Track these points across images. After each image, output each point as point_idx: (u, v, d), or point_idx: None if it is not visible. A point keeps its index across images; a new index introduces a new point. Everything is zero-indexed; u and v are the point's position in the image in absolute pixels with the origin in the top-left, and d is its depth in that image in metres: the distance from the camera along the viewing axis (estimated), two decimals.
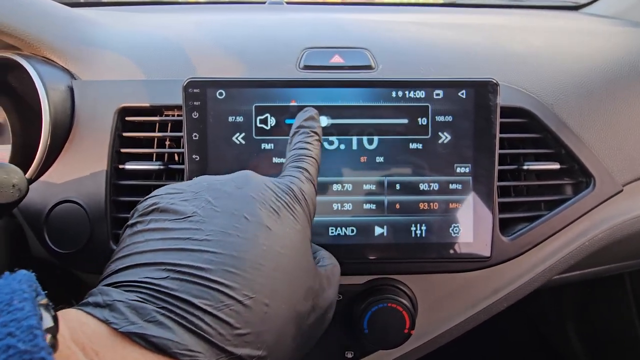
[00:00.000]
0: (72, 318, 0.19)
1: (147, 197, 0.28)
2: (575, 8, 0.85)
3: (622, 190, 0.43)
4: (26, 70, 0.42)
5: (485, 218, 0.39)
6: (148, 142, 0.44)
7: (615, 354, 0.95)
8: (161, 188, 0.28)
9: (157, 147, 0.43)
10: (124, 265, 0.23)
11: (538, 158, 0.44)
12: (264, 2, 0.85)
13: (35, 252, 0.41)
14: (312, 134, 0.32)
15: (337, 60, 0.45)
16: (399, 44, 0.47)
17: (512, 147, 0.44)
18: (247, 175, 0.28)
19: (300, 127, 0.33)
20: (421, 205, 0.39)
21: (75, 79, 0.44)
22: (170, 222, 0.24)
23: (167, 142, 0.44)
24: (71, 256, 0.40)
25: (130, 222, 0.26)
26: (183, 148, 0.41)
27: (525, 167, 0.42)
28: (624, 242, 0.44)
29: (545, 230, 0.41)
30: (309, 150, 0.32)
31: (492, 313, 0.44)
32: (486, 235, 0.39)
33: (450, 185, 0.38)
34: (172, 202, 0.25)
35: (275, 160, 0.38)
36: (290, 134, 0.33)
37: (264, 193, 0.26)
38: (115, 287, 0.22)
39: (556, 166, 0.42)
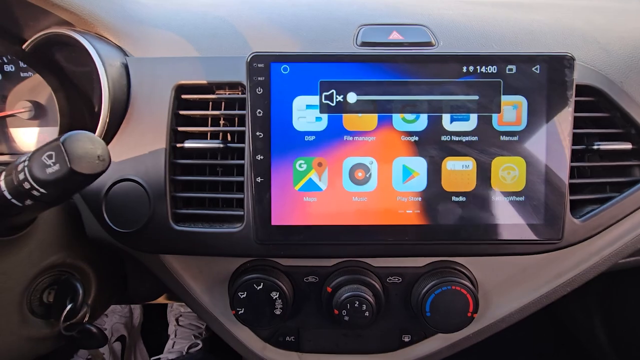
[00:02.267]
0: None
1: None
2: None
3: None
4: (77, 47, 0.41)
5: (558, 199, 0.38)
6: (202, 121, 0.43)
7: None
8: None
9: (211, 126, 0.42)
10: None
11: (603, 138, 0.42)
12: None
13: (92, 232, 0.41)
14: None
15: (395, 36, 0.44)
16: (457, 21, 0.46)
17: (577, 127, 0.42)
18: None
19: None
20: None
21: (127, 56, 0.43)
22: None
23: (222, 121, 0.43)
24: (131, 235, 0.39)
25: None
26: (242, 127, 0.40)
27: (595, 147, 0.40)
28: None
29: (617, 213, 0.40)
30: None
31: (554, 298, 0.43)
32: (558, 217, 0.38)
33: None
34: None
35: (346, 137, 0.37)
36: None
37: None
38: None
39: (628, 146, 0.40)
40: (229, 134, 0.42)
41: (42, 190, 0.26)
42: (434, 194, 0.37)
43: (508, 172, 0.37)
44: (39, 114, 0.54)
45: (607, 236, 0.42)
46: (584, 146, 0.41)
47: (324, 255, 0.40)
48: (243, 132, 0.40)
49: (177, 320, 1.11)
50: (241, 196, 0.39)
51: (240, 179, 0.40)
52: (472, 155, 0.37)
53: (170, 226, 0.39)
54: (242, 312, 0.40)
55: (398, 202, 0.38)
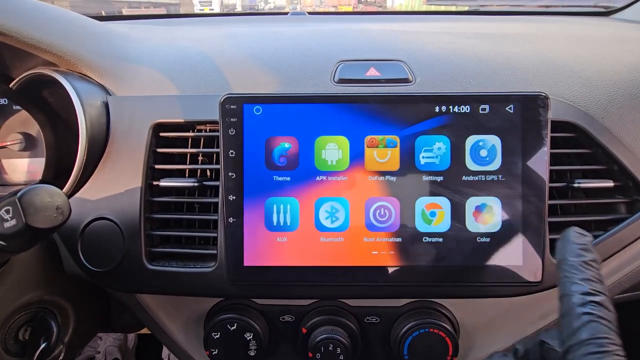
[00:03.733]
0: None
1: None
2: (606, 14, 0.82)
3: None
4: (62, 86, 0.42)
5: (536, 240, 0.37)
6: (181, 158, 0.43)
7: None
8: None
9: (190, 163, 0.42)
10: None
11: (586, 175, 0.42)
12: (286, 14, 0.85)
13: (69, 269, 0.41)
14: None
15: (373, 73, 0.44)
16: (435, 56, 0.46)
17: (558, 163, 0.42)
18: None
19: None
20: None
21: (110, 95, 0.44)
22: None
23: (200, 158, 0.43)
24: (105, 274, 0.39)
25: None
26: (219, 164, 0.40)
27: (576, 185, 0.40)
28: None
29: (602, 252, 0.39)
30: None
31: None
32: (536, 259, 0.37)
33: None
34: None
35: (318, 177, 0.37)
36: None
37: None
38: None
39: (610, 184, 0.39)
40: (207, 171, 0.43)
41: (2, 242, 0.26)
42: (407, 235, 0.37)
43: (484, 213, 0.37)
44: (29, 145, 0.55)
45: None
46: (565, 183, 0.40)
47: (298, 296, 0.39)
48: (219, 170, 0.40)
49: None
50: (215, 235, 0.39)
51: (215, 217, 0.39)
52: (446, 195, 0.37)
53: (144, 265, 0.39)
54: (215, 352, 0.40)
55: (371, 242, 0.37)
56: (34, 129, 0.56)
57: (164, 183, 0.40)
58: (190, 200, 0.41)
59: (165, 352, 1.10)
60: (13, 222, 0.25)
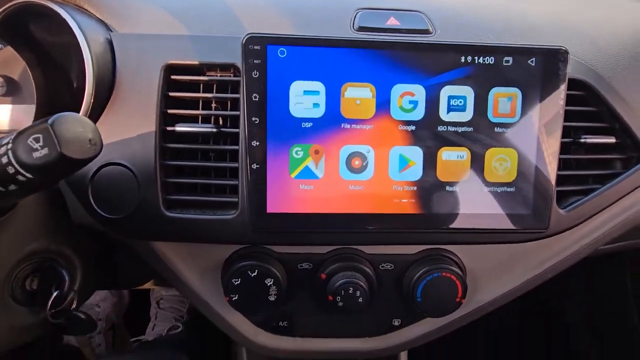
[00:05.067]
0: None
1: None
2: None
3: None
4: (55, 19, 0.38)
5: (546, 190, 0.39)
6: (192, 103, 0.41)
7: (612, 331, 1.01)
8: None
9: (202, 109, 0.40)
10: None
11: (588, 132, 0.44)
12: None
13: (77, 218, 0.39)
14: None
15: (393, 22, 0.43)
16: (455, 9, 0.45)
17: (565, 119, 0.43)
18: None
19: None
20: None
21: (111, 32, 0.40)
22: None
23: (213, 105, 0.41)
24: (119, 222, 0.38)
25: None
26: (237, 111, 0.39)
27: (582, 141, 0.42)
28: None
29: (599, 203, 0.42)
30: None
31: (536, 284, 0.45)
32: (545, 207, 0.39)
33: None
34: None
35: (344, 125, 0.37)
36: None
37: None
38: None
39: (612, 140, 0.42)
40: (220, 118, 0.41)
41: (28, 175, 0.24)
42: (429, 184, 0.38)
43: (500, 163, 0.38)
44: (12, 89, 0.50)
45: (586, 226, 0.44)
46: (571, 139, 0.42)
47: (319, 243, 0.40)
48: (236, 117, 0.39)
49: (158, 303, 1.10)
50: (235, 183, 0.38)
51: (234, 164, 0.39)
52: (466, 146, 0.38)
53: (161, 213, 0.38)
54: (235, 298, 0.40)
55: (393, 191, 0.38)
56: (16, 71, 0.51)
57: (180, 128, 0.38)
58: (206, 148, 0.40)
59: (152, 311, 1.10)
60: (44, 151, 0.23)
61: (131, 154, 0.38)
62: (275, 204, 0.37)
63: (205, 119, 0.40)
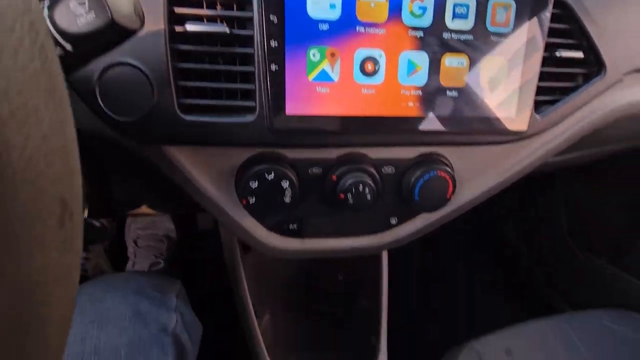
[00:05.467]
0: None
1: None
2: None
3: (622, 80, 0.51)
4: None
5: (528, 97, 0.44)
6: (196, 3, 0.39)
7: (547, 248, 1.20)
8: None
9: (207, 8, 0.39)
10: None
11: (560, 47, 0.49)
12: None
13: (82, 123, 0.37)
14: None
15: None
16: None
17: None
18: None
19: None
20: None
21: None
22: None
23: (218, 6, 0.40)
24: (133, 125, 0.37)
25: None
26: (254, 10, 0.38)
27: (557, 55, 0.47)
28: (611, 127, 0.54)
29: (566, 111, 0.49)
30: None
31: (506, 185, 0.53)
32: (526, 112, 0.45)
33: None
34: None
35: (358, 28, 0.38)
36: None
37: None
38: None
39: (580, 54, 0.48)
40: (227, 22, 0.40)
41: (67, 46, 0.23)
42: (432, 88, 0.42)
43: (492, 71, 0.43)
44: None
45: (551, 132, 0.51)
46: (547, 53, 0.48)
47: (335, 144, 0.43)
48: (247, 19, 0.38)
49: (135, 242, 1.09)
50: (252, 87, 0.39)
51: (249, 68, 0.39)
52: (467, 53, 0.41)
53: (178, 116, 0.38)
54: (253, 201, 0.42)
55: (402, 95, 0.41)
56: None
57: (192, 28, 0.37)
58: (219, 51, 0.39)
59: (130, 250, 1.10)
60: (91, 16, 0.22)
61: (140, 53, 0.36)
62: (294, 106, 0.39)
63: (212, 22, 0.39)
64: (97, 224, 0.42)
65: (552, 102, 0.50)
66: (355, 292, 0.92)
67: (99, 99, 0.36)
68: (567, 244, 1.17)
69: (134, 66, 0.36)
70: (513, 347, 0.70)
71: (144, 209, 0.60)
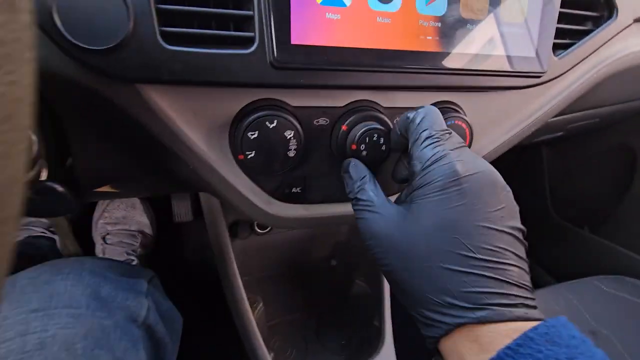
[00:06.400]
0: None
1: None
2: None
3: (631, 25, 0.49)
4: None
5: (549, 33, 0.41)
6: None
7: (529, 221, 1.21)
8: None
9: None
10: None
11: None
12: None
13: (43, 63, 0.30)
14: None
15: None
16: None
17: None
18: None
19: None
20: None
21: None
22: None
23: None
24: (102, 55, 0.30)
25: None
26: None
27: None
28: (618, 78, 0.52)
29: (581, 54, 0.46)
30: None
31: (521, 137, 0.50)
32: (546, 51, 0.42)
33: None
34: None
35: None
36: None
37: None
38: None
39: None
40: None
41: None
42: (452, 20, 0.37)
43: (516, 2, 0.39)
44: None
45: (559, 84, 0.48)
46: None
47: (344, 86, 0.37)
48: None
49: (104, 239, 0.98)
50: (250, 13, 0.32)
51: None
52: None
53: (159, 45, 0.31)
54: (252, 155, 0.36)
55: (419, 26, 0.36)
56: None
57: None
58: None
59: (98, 248, 0.98)
60: None
61: None
62: (300, 35, 0.33)
63: None
64: (59, 188, 0.34)
65: (564, 48, 0.47)
66: (351, 277, 0.87)
67: (58, 22, 0.28)
68: (551, 216, 1.19)
69: None
70: None
71: (108, 188, 0.52)
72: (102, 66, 0.30)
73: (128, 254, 0.98)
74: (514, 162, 1.26)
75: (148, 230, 1.06)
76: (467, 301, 0.27)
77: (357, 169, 0.36)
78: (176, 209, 1.11)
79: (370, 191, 0.33)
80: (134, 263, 0.96)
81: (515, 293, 0.27)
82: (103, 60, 0.30)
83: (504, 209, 0.29)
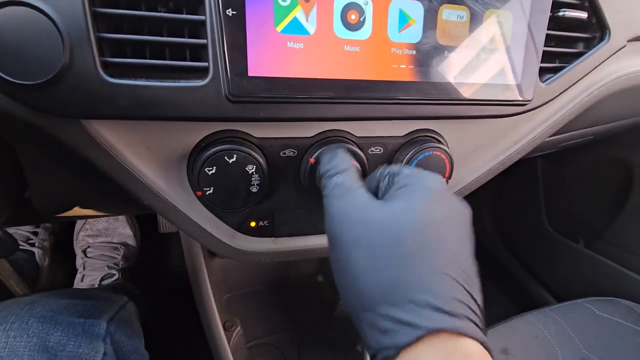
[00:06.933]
0: None
1: None
2: None
3: (625, 46, 0.46)
4: None
5: (534, 60, 0.38)
6: None
7: (524, 234, 1.18)
8: None
9: None
10: None
11: (562, 7, 0.44)
12: None
13: None
14: None
15: None
16: None
17: None
18: None
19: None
20: None
21: None
22: None
23: None
24: (37, 90, 0.27)
25: None
26: None
27: (561, 14, 0.42)
28: (613, 98, 0.49)
29: (571, 78, 0.43)
30: None
31: (507, 165, 0.47)
32: (531, 78, 0.39)
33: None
34: None
35: None
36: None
37: None
38: None
39: (584, 15, 0.43)
40: None
41: None
42: (428, 47, 0.34)
43: (497, 27, 0.36)
44: None
45: (553, 105, 0.46)
46: (552, 13, 0.42)
47: (310, 117, 0.34)
48: None
49: (84, 252, 0.96)
50: (203, 42, 0.30)
51: (198, 17, 0.29)
52: (467, 4, 0.34)
53: (100, 78, 0.28)
54: (210, 192, 0.33)
55: (392, 54, 0.33)
56: None
57: None
58: None
59: (78, 262, 0.96)
60: None
61: None
62: (258, 65, 0.30)
63: None
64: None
65: (554, 71, 0.44)
66: (337, 294, 0.84)
67: None
68: (546, 229, 1.16)
69: (33, 6, 0.26)
70: (508, 345, 0.66)
71: (77, 210, 0.49)
72: (37, 102, 0.28)
73: (109, 267, 0.95)
74: (508, 173, 1.24)
75: (131, 241, 1.03)
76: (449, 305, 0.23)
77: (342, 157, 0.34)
78: (162, 219, 1.08)
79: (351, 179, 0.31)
80: (114, 278, 0.94)
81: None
82: (38, 95, 0.27)
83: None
